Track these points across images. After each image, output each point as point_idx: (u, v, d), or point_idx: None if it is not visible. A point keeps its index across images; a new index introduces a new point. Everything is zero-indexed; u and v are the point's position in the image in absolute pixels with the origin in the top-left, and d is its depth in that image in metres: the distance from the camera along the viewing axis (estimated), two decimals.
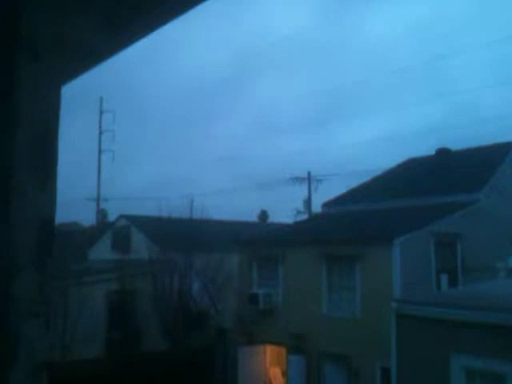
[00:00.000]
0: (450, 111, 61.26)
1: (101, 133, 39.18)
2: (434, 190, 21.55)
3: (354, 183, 26.83)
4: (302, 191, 38.49)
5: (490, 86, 57.21)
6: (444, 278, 17.27)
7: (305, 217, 35.02)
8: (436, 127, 52.30)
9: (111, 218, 35.07)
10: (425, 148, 26.42)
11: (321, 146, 62.53)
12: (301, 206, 39.23)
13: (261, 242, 22.72)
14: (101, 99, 39.24)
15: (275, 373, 20.68)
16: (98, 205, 39.38)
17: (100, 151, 39.03)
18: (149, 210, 30.31)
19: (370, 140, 60.51)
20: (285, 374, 19.87)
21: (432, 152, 25.87)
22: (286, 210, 47.98)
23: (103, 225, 35.06)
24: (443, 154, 24.85)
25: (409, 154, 27.41)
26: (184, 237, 21.02)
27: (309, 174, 37.88)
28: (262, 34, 67.38)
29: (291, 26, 64.42)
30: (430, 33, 63.64)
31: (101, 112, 39.34)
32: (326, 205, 26.11)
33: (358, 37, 65.00)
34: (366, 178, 26.81)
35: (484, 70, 60.78)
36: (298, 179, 37.99)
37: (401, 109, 63.37)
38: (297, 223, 29.00)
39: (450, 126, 55.40)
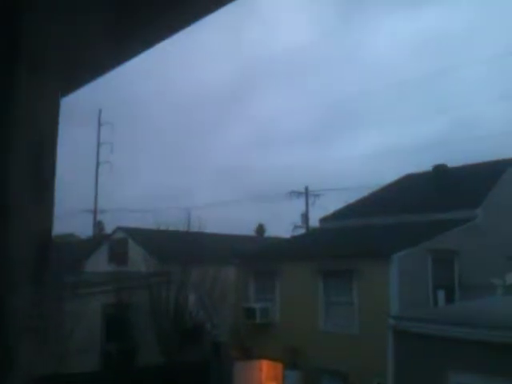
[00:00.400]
0: (451, 126, 61.55)
1: (99, 145, 39.23)
2: (432, 206, 21.57)
3: (352, 198, 26.90)
4: (299, 205, 38.55)
5: (491, 100, 57.38)
6: (441, 295, 17.23)
7: (302, 231, 34.99)
8: (436, 142, 52.46)
9: (108, 230, 35.02)
10: (425, 163, 26.49)
11: (319, 159, 62.73)
12: (298, 221, 39.21)
13: (258, 256, 22.67)
14: (99, 111, 39.34)
15: None
16: (94, 217, 39.32)
17: (98, 163, 39.04)
18: (146, 222, 30.34)
19: (369, 154, 60.59)
20: None
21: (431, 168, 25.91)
22: (283, 224, 47.98)
23: (100, 237, 34.97)
24: (440, 170, 24.90)
25: (408, 169, 27.54)
26: (181, 250, 20.97)
27: (306, 188, 37.93)
28: (262, 47, 67.85)
29: (293, 38, 64.84)
30: (432, 47, 63.93)
31: (99, 124, 39.42)
32: (324, 220, 26.11)
33: (359, 51, 65.44)
34: (363, 194, 26.89)
35: (486, 85, 61.01)
36: (295, 193, 38.05)
37: (400, 123, 63.60)
38: (294, 238, 28.97)
39: (450, 141, 55.60)
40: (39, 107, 1.44)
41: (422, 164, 26.70)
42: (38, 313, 1.38)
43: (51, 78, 1.47)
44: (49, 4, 1.44)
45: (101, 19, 1.57)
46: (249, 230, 43.98)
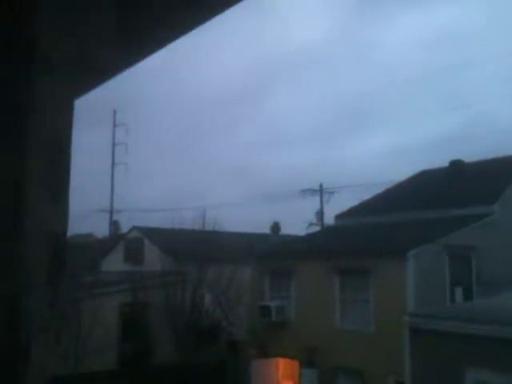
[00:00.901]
0: (465, 122, 60.99)
1: (114, 145, 39.45)
2: (448, 202, 21.40)
3: (367, 195, 26.77)
4: (313, 203, 38.47)
5: (506, 96, 56.80)
6: (458, 291, 17.11)
7: (317, 229, 34.91)
8: (452, 139, 52.02)
9: (124, 229, 35.21)
10: (441, 159, 26.27)
11: (334, 157, 62.52)
12: (313, 218, 39.13)
13: (273, 254, 22.66)
14: (114, 112, 39.55)
15: None
16: (111, 216, 39.55)
17: (113, 163, 39.27)
18: (162, 221, 30.44)
19: (383, 151, 60.38)
20: None
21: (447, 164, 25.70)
22: (298, 221, 47.80)
23: (116, 236, 35.19)
24: (456, 165, 24.68)
25: (423, 166, 27.23)
26: (196, 249, 21.01)
27: (320, 186, 37.84)
28: (275, 45, 67.47)
29: (307, 36, 64.65)
30: (447, 43, 63.38)
31: (114, 125, 39.63)
32: (339, 217, 26.02)
33: (371, 48, 65.08)
34: (378, 191, 26.75)
35: (500, 81, 60.18)
36: (309, 191, 37.98)
37: (415, 120, 63.15)
38: (309, 235, 28.91)
39: (466, 137, 55.10)
40: (53, 109, 1.44)
41: (438, 160, 26.45)
42: (52, 314, 1.39)
43: (65, 79, 1.48)
44: (61, 5, 1.45)
45: (113, 20, 1.57)
46: (264, 228, 43.98)
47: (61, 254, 1.40)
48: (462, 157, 25.31)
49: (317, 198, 38.11)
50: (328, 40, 64.51)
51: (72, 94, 1.55)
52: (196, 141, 69.19)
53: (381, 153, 60.48)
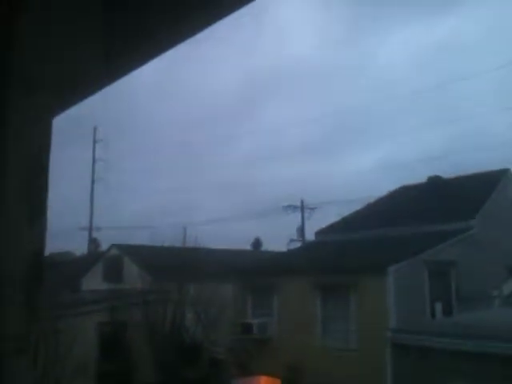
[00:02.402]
0: (445, 139, 61.60)
1: (94, 162, 39.27)
2: (427, 217, 21.57)
3: (348, 211, 26.90)
4: (295, 219, 38.56)
5: (495, 111, 57.53)
6: (438, 307, 17.19)
7: (298, 245, 34.95)
8: (431, 156, 52.53)
9: (104, 247, 34.89)
10: (421, 176, 26.50)
11: (318, 173, 62.60)
12: (295, 234, 39.20)
13: (255, 271, 22.59)
14: (94, 129, 39.45)
15: None
16: (89, 234, 39.22)
17: (93, 180, 39.04)
18: (143, 239, 30.23)
19: (364, 168, 60.74)
20: None
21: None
22: (279, 238, 47.85)
23: (95, 254, 34.84)
24: (435, 181, 24.96)
25: (404, 182, 27.47)
26: (177, 266, 20.86)
27: (302, 202, 37.99)
28: (262, 61, 67.92)
29: (297, 50, 64.84)
30: (437, 59, 63.88)
31: (94, 141, 39.51)
32: (319, 233, 26.09)
33: (351, 64, 65.78)
34: (359, 207, 26.90)
35: (490, 96, 60.87)
36: (291, 207, 38.10)
37: (396, 137, 63.65)
38: (290, 251, 28.91)
39: (445, 154, 55.74)
40: (31, 129, 1.43)
41: (418, 176, 26.65)
42: (29, 335, 1.36)
43: (43, 99, 1.46)
44: (38, 22, 1.44)
45: (95, 39, 1.56)
46: (245, 244, 43.91)
47: (38, 273, 1.38)
48: (442, 173, 25.63)
49: (298, 215, 38.25)
50: (322, 53, 64.81)
51: (51, 113, 1.53)
52: (176, 158, 69.04)
53: (361, 169, 60.81)
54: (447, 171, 24.98)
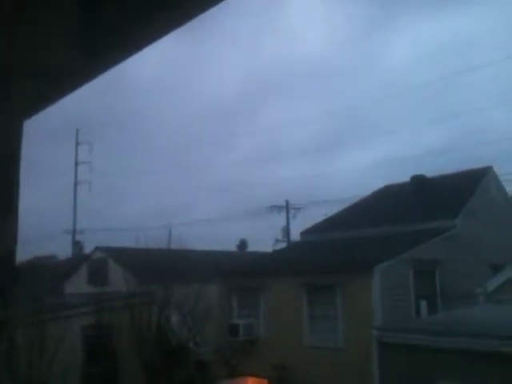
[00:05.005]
0: (430, 139, 61.84)
1: (77, 164, 39.01)
2: (411, 216, 21.71)
3: (333, 211, 26.94)
4: (280, 220, 38.56)
5: (495, 107, 57.78)
6: (423, 305, 17.28)
7: (283, 245, 34.96)
8: (417, 155, 52.69)
9: (88, 250, 34.64)
10: (406, 175, 26.54)
11: (301, 174, 62.56)
12: (280, 235, 39.21)
13: (240, 272, 22.55)
14: (77, 131, 39.20)
15: None
16: (73, 237, 38.93)
17: (76, 183, 38.77)
18: (128, 241, 30.02)
19: (350, 168, 60.82)
20: None
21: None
22: (265, 238, 47.80)
23: (79, 257, 34.58)
24: (418, 180, 25.10)
25: (388, 181, 27.55)
26: (162, 268, 20.76)
27: (287, 202, 38.01)
28: (261, 61, 67.61)
29: (298, 49, 64.70)
30: (438, 55, 63.76)
31: (77, 143, 39.27)
32: (304, 233, 26.11)
33: (342, 64, 65.91)
34: (344, 206, 26.94)
35: (490, 92, 60.93)
36: (276, 208, 38.10)
37: (382, 136, 63.71)
38: (275, 252, 28.90)
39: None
40: (0, 132, 1.39)
41: (404, 176, 26.68)
42: (1, 337, 1.32)
43: (14, 102, 1.43)
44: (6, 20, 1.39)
45: (75, 34, 1.50)
46: (231, 245, 43.82)
47: (9, 275, 1.34)
48: (427, 172, 25.73)
49: (283, 215, 38.26)
50: (326, 52, 64.29)
51: (20, 117, 1.49)
52: (162, 159, 68.70)
53: (347, 169, 60.94)
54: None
